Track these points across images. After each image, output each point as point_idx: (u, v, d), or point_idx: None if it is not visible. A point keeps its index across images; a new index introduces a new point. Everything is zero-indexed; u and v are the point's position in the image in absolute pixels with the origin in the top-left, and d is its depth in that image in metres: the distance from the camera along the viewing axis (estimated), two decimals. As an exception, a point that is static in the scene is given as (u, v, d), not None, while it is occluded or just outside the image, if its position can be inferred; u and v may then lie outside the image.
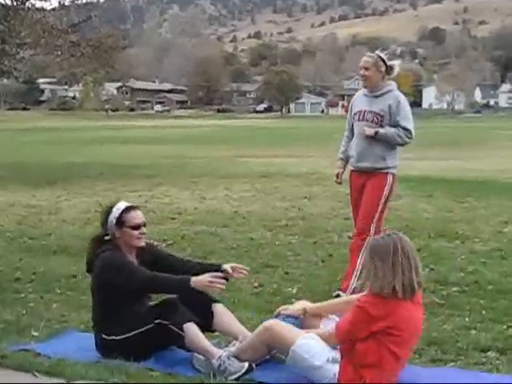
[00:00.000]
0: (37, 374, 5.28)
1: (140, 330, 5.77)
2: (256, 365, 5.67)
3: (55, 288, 8.59)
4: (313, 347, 5.37)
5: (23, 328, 6.90)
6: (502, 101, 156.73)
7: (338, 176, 8.72)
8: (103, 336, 5.88)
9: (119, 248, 6.09)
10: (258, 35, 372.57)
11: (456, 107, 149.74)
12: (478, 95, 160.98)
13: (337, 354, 5.36)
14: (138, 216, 6.18)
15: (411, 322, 5.27)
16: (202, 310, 6.02)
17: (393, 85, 8.30)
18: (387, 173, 8.32)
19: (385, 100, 8.26)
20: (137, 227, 6.11)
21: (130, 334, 5.80)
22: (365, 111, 8.31)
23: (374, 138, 8.23)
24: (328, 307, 6.13)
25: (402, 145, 8.34)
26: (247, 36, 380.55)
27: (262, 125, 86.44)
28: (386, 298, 5.18)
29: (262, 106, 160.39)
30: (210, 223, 13.71)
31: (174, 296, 6.08)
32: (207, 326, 5.97)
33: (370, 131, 8.21)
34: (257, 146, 41.05)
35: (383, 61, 8.18)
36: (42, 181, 21.67)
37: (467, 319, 7.17)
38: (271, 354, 5.78)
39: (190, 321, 5.75)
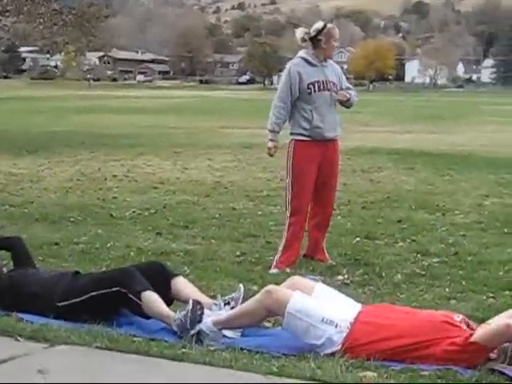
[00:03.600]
0: (19, 338, 5.29)
1: (98, 293, 5.86)
2: (242, 334, 5.74)
3: (37, 255, 8.53)
4: (306, 307, 5.39)
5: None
6: (485, 76, 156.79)
7: (274, 149, 8.51)
8: (59, 305, 5.97)
9: None
10: (241, 6, 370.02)
11: (439, 81, 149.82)
12: (460, 70, 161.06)
13: (332, 315, 5.37)
14: None
15: None
16: (159, 282, 6.07)
17: None
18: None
19: (333, 68, 8.50)
20: None
21: (86, 296, 5.90)
22: (324, 81, 8.31)
23: (344, 105, 8.51)
24: None
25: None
26: (231, 7, 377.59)
27: (245, 96, 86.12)
28: None
29: (244, 78, 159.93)
30: (192, 193, 13.72)
31: (133, 266, 6.32)
32: (165, 298, 6.01)
33: (346, 97, 8.40)
34: (239, 118, 40.96)
35: None
36: (23, 149, 21.58)
37: (447, 289, 7.21)
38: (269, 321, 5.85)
39: (147, 289, 5.83)
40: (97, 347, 5.15)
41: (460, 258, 8.52)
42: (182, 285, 6.27)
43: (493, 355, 5.07)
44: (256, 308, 5.60)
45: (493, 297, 6.96)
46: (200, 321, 5.56)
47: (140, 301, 5.78)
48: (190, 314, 5.54)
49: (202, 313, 5.61)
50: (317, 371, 4.74)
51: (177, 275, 6.39)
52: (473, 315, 6.35)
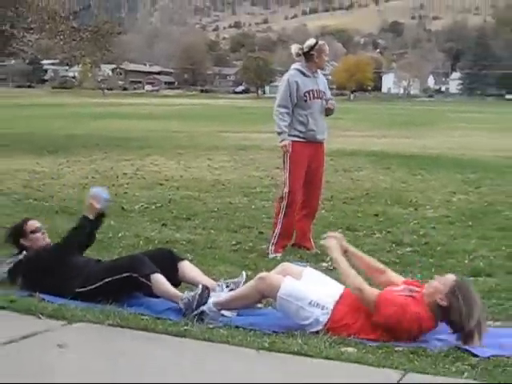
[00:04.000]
0: (41, 316, 5.29)
1: (112, 279, 5.88)
2: (237, 314, 5.75)
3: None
4: (295, 290, 5.40)
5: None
6: (452, 87, 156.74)
7: (288, 146, 8.35)
8: (78, 291, 5.98)
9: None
10: (237, 25, 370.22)
11: (411, 92, 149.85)
12: (431, 82, 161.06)
13: (319, 298, 5.37)
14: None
15: None
16: (167, 266, 6.10)
17: None
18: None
19: (322, 79, 8.66)
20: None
21: (101, 283, 5.92)
22: (317, 90, 8.46)
23: (328, 113, 8.71)
24: (365, 259, 6.02)
25: None
26: (228, 26, 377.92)
27: (240, 104, 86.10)
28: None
29: (240, 88, 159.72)
30: (193, 189, 13.71)
31: (143, 253, 6.43)
32: (173, 280, 6.02)
33: (334, 106, 8.67)
34: (235, 123, 40.96)
35: None
36: (44, 150, 21.55)
37: (419, 275, 7.18)
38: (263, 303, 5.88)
39: (155, 272, 5.86)
40: (109, 324, 5.15)
41: (430, 248, 8.52)
42: (188, 268, 6.29)
43: (443, 302, 5.09)
44: (251, 292, 5.62)
45: (459, 282, 6.94)
46: (205, 303, 5.58)
47: (150, 282, 5.81)
48: (197, 297, 5.56)
49: (209, 296, 5.63)
50: (304, 346, 4.74)
51: (183, 259, 6.42)
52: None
